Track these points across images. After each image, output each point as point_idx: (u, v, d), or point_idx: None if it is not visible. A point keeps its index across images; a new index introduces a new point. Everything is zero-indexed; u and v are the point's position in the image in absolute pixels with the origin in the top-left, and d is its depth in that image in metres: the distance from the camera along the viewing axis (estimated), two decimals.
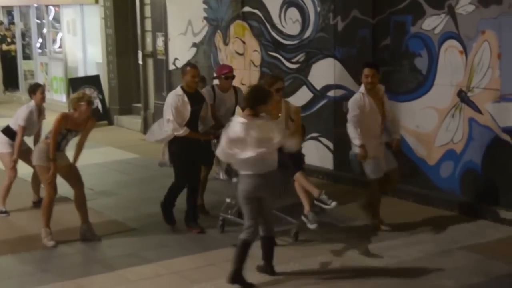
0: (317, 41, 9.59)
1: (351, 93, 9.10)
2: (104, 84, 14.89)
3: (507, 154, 7.30)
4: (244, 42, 11.05)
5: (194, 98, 7.17)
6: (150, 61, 13.52)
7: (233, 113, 7.83)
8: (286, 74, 10.15)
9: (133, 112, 14.51)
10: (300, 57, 9.91)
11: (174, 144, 7.20)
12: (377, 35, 8.70)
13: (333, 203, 6.49)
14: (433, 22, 7.97)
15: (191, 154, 7.18)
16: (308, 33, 9.74)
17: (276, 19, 10.30)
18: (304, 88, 9.84)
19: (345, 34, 9.15)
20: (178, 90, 7.17)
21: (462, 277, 5.85)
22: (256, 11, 10.67)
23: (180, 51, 12.59)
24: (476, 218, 7.46)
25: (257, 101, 5.67)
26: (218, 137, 7.30)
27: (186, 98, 7.08)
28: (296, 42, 9.97)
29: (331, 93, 9.47)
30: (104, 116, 14.76)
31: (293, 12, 9.96)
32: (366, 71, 6.99)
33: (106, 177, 10.01)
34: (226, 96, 7.85)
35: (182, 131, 7.07)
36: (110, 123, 14.73)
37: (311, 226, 6.62)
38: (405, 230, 7.16)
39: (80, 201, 7.18)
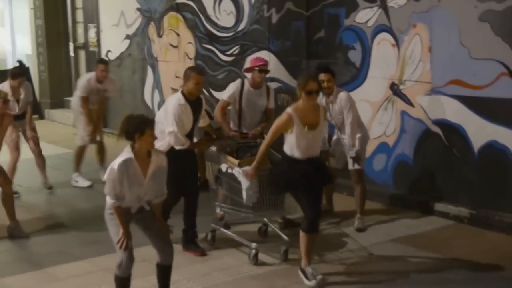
0: (252, 33, 9.54)
1: (286, 86, 9.11)
2: (34, 77, 14.49)
3: (438, 146, 7.42)
4: (178, 34, 10.91)
5: (195, 106, 6.30)
6: (82, 53, 13.24)
7: (260, 118, 7.11)
8: (220, 66, 10.08)
9: (65, 106, 14.19)
10: (235, 49, 9.84)
11: (171, 156, 5.71)
12: (311, 28, 8.70)
13: (312, 283, 5.54)
14: (366, 15, 8.02)
15: (188, 165, 6.37)
16: (242, 26, 9.68)
17: (210, 11, 10.20)
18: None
19: (279, 26, 9.13)
20: (180, 98, 6.19)
21: (393, 269, 5.90)
22: (190, 2, 10.54)
23: (113, 43, 12.36)
24: (408, 210, 7.56)
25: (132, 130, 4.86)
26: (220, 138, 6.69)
27: (189, 108, 6.20)
28: (230, 34, 9.89)
29: None
30: (34, 110, 14.32)
31: (228, 4, 9.87)
32: (321, 76, 6.71)
33: (37, 172, 9.72)
34: (256, 94, 7.02)
35: (186, 145, 6.23)
36: (41, 117, 14.35)
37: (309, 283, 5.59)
38: (339, 223, 7.20)
39: (7, 199, 6.95)
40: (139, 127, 4.85)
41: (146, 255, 6.23)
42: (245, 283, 5.75)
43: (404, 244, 6.52)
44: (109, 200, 4.94)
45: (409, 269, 5.92)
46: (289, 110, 5.64)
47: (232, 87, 7.07)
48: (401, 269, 5.92)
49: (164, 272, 5.25)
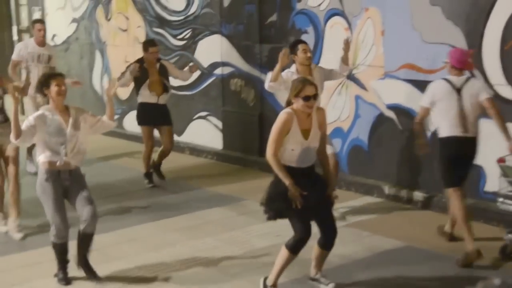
0: (203, 17, 9.39)
1: (238, 71, 8.99)
2: None
3: (392, 130, 7.42)
4: (127, 18, 10.67)
5: None
6: (26, 37, 12.83)
7: None
8: (171, 51, 9.90)
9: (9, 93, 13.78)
10: (186, 33, 9.67)
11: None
12: (264, 12, 8.60)
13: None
14: None
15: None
16: (193, 9, 9.51)
17: None
18: None
19: (231, 10, 8.99)
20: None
21: (347, 253, 5.85)
22: None
23: (59, 27, 12.06)
24: (363, 195, 7.55)
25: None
26: None
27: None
28: (181, 18, 9.72)
29: (218, 71, 9.32)
30: None
31: None
32: (302, 46, 6.61)
33: None
34: None
35: None
36: None
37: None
38: None
39: None
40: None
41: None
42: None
43: (358, 229, 6.49)
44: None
45: (363, 254, 5.89)
46: (288, 109, 4.76)
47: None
48: (355, 254, 5.88)
49: (85, 240, 5.32)
